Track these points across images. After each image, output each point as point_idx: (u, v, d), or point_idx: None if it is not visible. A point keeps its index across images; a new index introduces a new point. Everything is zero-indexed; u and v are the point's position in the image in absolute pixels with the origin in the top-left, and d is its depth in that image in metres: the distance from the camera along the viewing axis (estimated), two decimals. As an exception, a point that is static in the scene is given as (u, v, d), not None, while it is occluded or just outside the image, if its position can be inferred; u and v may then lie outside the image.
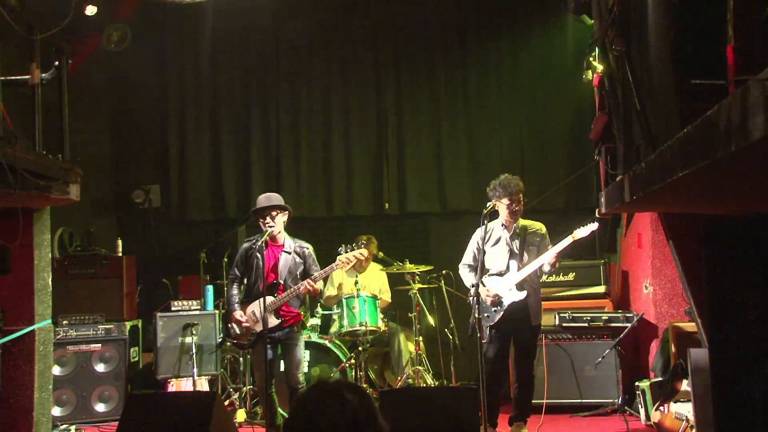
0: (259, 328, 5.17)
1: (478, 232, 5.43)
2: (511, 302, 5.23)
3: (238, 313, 5.32)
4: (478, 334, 4.94)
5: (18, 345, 4.68)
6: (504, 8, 7.82)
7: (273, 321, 5.21)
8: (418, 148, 7.85)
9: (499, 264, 5.33)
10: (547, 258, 5.18)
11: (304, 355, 5.60)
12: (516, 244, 5.33)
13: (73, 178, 4.50)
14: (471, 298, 5.38)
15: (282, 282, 5.29)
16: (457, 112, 7.84)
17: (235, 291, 5.47)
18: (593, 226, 5.23)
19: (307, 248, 5.41)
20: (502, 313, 5.25)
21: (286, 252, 5.34)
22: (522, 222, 5.40)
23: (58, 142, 4.59)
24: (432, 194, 7.86)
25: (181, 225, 8.12)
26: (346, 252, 5.26)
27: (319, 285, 5.30)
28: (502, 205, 5.28)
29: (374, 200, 7.91)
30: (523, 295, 5.22)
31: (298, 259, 5.33)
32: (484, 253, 5.29)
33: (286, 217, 5.36)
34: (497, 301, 5.24)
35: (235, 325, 5.37)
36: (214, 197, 8.07)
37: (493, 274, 5.34)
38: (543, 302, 5.58)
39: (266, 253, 5.27)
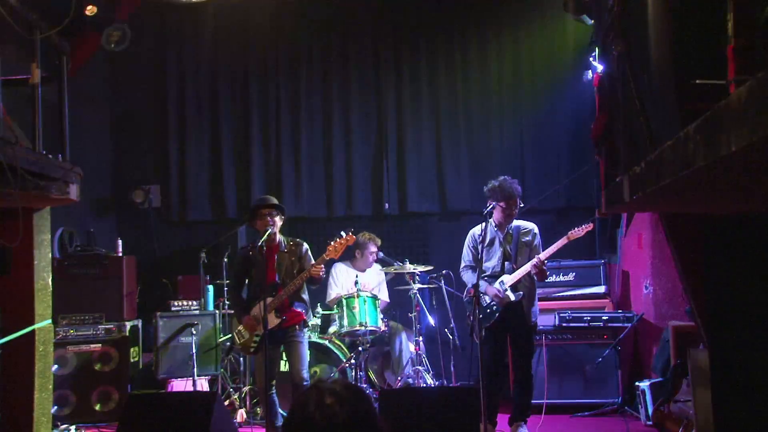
0: (261, 329, 5.19)
1: (473, 232, 5.47)
2: (507, 303, 5.25)
3: (247, 318, 5.36)
4: (477, 335, 4.96)
5: (18, 345, 4.68)
6: (504, 8, 7.82)
7: (273, 320, 5.23)
8: (418, 148, 7.85)
9: (494, 265, 5.35)
10: (542, 257, 5.21)
11: (307, 353, 5.60)
12: (510, 245, 5.36)
13: (73, 178, 4.50)
14: (467, 298, 5.40)
15: (280, 282, 5.33)
16: (458, 112, 7.83)
17: (238, 299, 5.50)
18: (588, 226, 5.29)
19: (302, 245, 5.50)
20: (498, 313, 5.27)
21: (282, 252, 5.42)
22: (515, 222, 5.43)
23: (58, 142, 4.59)
24: (432, 194, 7.85)
25: (181, 225, 8.12)
26: (334, 241, 5.30)
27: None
28: (497, 207, 5.30)
29: (374, 200, 7.91)
30: (518, 296, 5.25)
31: (293, 258, 5.41)
32: (480, 252, 5.30)
33: (281, 221, 5.46)
34: (505, 300, 5.24)
35: (242, 331, 5.39)
36: (214, 197, 8.07)
37: (487, 276, 5.35)
38: (543, 302, 5.60)
39: (264, 255, 5.31)
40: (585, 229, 5.28)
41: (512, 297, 5.24)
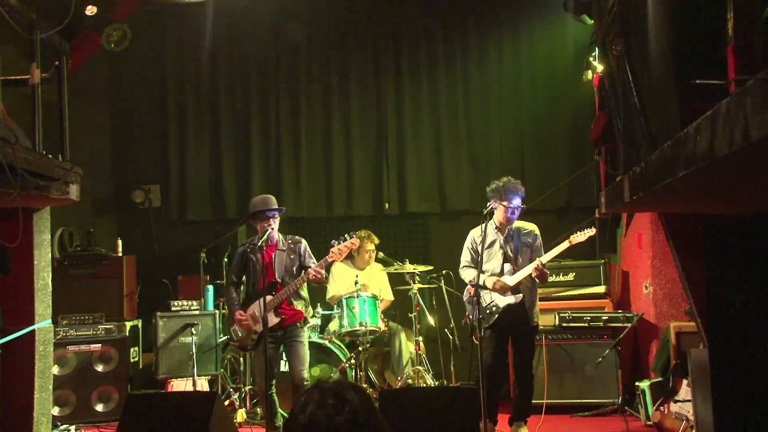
0: (260, 328, 5.19)
1: (473, 233, 5.46)
2: (506, 305, 5.25)
3: (238, 312, 5.37)
4: (477, 334, 4.96)
5: (18, 345, 4.67)
6: (504, 8, 7.82)
7: (273, 320, 5.23)
8: (418, 148, 7.85)
9: (494, 266, 5.34)
10: (544, 260, 5.19)
11: (308, 353, 5.59)
12: (510, 246, 5.34)
13: (73, 178, 4.49)
14: (467, 297, 5.40)
15: (280, 280, 5.33)
16: (458, 112, 7.83)
17: (234, 295, 5.51)
18: (590, 231, 5.24)
19: (301, 242, 5.48)
20: (498, 314, 5.26)
21: (280, 250, 5.42)
22: (515, 224, 5.40)
23: (58, 142, 4.59)
24: (432, 194, 7.85)
25: (181, 225, 8.12)
26: (339, 244, 5.27)
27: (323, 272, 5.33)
28: (500, 208, 5.28)
29: (374, 200, 7.91)
30: (518, 297, 5.24)
31: (292, 256, 5.41)
32: (480, 253, 5.29)
33: (279, 219, 5.47)
34: (506, 289, 5.23)
35: (237, 328, 5.40)
36: (214, 197, 8.07)
37: (487, 277, 5.34)
38: (543, 302, 5.58)
39: (261, 255, 5.30)
40: (587, 235, 5.25)
41: (510, 282, 5.22)
